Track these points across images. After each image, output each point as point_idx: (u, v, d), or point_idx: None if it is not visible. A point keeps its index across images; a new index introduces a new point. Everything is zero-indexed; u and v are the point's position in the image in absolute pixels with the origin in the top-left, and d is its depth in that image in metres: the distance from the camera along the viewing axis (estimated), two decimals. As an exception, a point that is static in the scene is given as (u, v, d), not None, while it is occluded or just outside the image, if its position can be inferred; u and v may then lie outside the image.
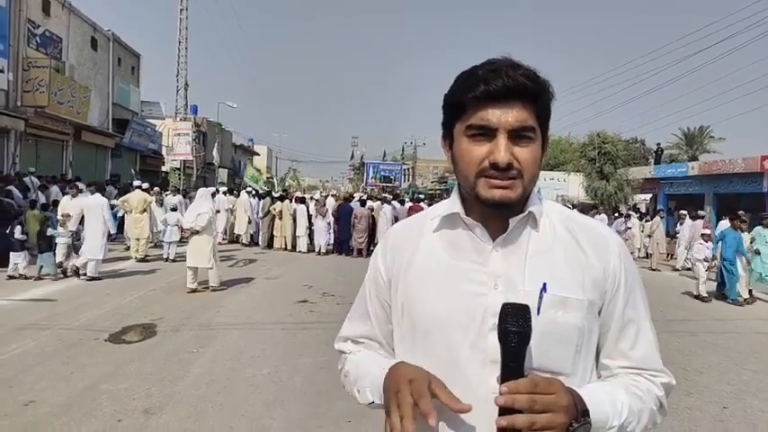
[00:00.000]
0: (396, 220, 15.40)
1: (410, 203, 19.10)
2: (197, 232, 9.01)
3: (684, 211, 16.02)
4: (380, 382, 1.07)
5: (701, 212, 15.21)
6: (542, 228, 1.12)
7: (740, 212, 14.71)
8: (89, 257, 9.85)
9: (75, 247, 10.34)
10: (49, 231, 9.96)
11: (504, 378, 0.92)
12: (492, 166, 1.03)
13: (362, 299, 1.29)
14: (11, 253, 9.71)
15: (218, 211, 13.40)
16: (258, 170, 27.84)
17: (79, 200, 10.77)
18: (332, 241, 16.55)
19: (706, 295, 10.44)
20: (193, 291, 9.02)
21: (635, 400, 1.06)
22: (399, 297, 1.17)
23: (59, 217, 10.34)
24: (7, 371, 4.95)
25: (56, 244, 10.00)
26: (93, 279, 9.73)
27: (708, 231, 11.12)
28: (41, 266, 9.83)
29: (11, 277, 9.57)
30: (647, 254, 17.05)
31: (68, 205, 10.63)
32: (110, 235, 10.71)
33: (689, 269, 14.45)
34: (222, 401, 4.45)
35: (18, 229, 9.83)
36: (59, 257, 10.00)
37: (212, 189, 12.31)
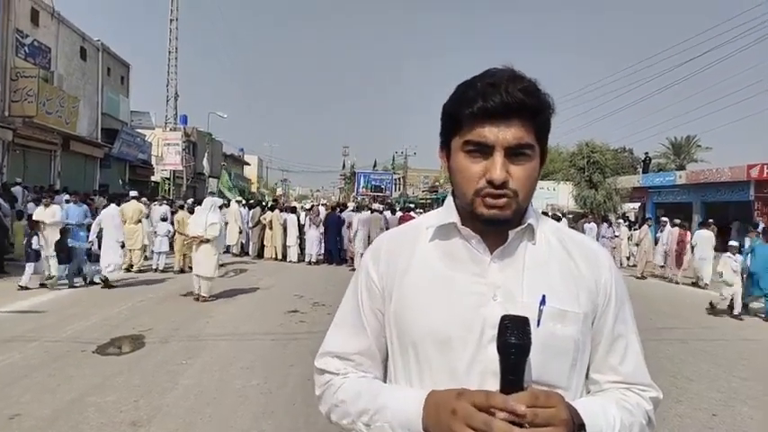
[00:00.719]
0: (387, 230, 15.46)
1: (400, 213, 19.10)
2: (207, 241, 9.12)
3: (665, 218, 16.39)
4: (412, 417, 0.99)
5: (675, 221, 15.52)
6: (538, 240, 1.12)
7: (710, 221, 15.26)
8: (109, 263, 10.31)
9: (90, 255, 10.56)
10: (70, 242, 10.11)
11: (503, 391, 0.91)
12: (488, 183, 1.02)
13: (352, 309, 1.20)
14: (26, 263, 9.83)
15: (226, 224, 13.70)
16: (228, 179, 27.22)
17: (53, 208, 10.70)
18: (322, 251, 16.52)
19: (738, 312, 9.73)
20: (196, 296, 9.26)
21: (626, 415, 1.05)
22: (393, 307, 1.13)
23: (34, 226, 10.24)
24: (-8, 384, 4.88)
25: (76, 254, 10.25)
26: (106, 283, 9.99)
27: (735, 243, 10.56)
28: (70, 275, 10.09)
29: (22, 288, 9.53)
30: (635, 263, 17.19)
31: (42, 214, 10.53)
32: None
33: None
34: (211, 413, 4.40)
35: (35, 239, 9.90)
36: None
37: (220, 201, 12.21)
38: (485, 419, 0.88)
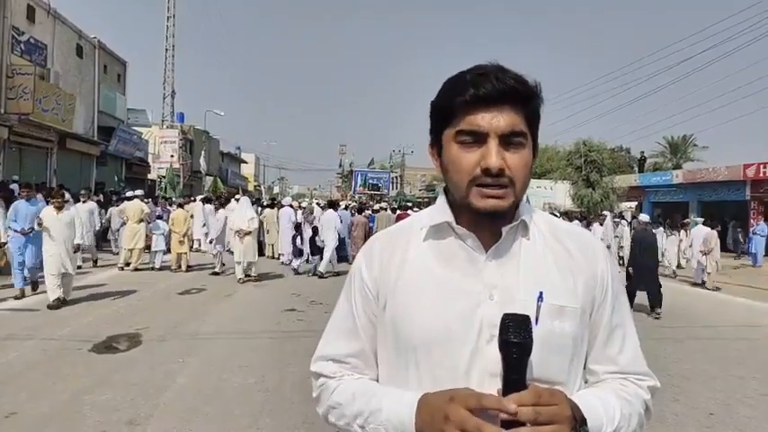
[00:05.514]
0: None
1: (398, 211, 19.08)
2: (249, 233, 11.33)
3: (605, 213, 18.52)
4: (405, 420, 0.99)
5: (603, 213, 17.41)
6: (532, 236, 1.11)
7: (686, 220, 15.68)
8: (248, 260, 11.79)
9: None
10: (318, 241, 12.89)
11: (505, 390, 0.91)
12: (484, 172, 1.00)
13: (346, 313, 1.19)
14: (293, 258, 13.39)
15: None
16: (175, 174, 27.05)
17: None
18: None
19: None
20: (240, 278, 11.39)
21: (625, 405, 1.06)
22: (389, 311, 1.11)
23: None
24: (-12, 382, 4.86)
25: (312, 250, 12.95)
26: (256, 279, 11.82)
27: None
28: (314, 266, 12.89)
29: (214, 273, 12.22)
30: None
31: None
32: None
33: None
34: (209, 411, 4.39)
35: (299, 239, 13.01)
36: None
37: (248, 199, 13.90)
38: (477, 424, 0.88)
